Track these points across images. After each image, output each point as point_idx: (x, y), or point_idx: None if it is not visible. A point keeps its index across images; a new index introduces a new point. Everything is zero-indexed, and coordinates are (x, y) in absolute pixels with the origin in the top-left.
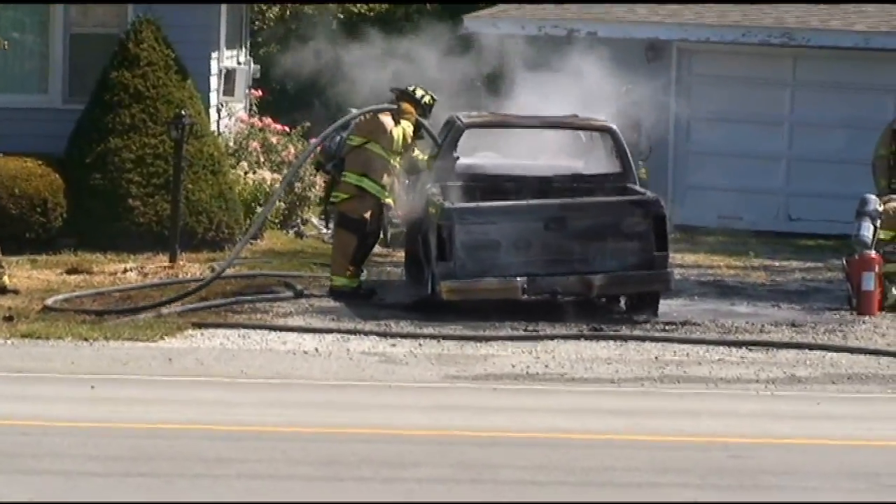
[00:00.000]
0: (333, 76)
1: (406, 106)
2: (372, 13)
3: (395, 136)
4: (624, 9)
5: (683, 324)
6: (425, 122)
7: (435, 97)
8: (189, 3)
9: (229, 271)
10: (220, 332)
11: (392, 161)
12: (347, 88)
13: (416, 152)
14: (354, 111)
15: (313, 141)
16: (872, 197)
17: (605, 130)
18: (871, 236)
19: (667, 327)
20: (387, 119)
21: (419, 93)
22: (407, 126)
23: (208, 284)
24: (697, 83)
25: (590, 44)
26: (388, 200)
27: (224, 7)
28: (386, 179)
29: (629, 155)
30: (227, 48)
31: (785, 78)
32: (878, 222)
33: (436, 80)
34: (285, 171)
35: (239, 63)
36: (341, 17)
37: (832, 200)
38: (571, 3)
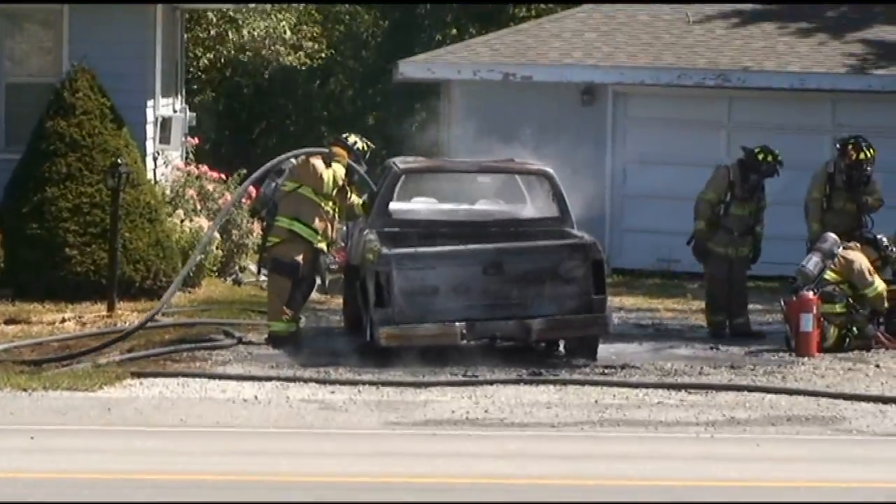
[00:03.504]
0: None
1: (337, 149)
2: (305, 64)
3: (326, 179)
4: (559, 52)
5: (623, 367)
6: (357, 166)
7: (370, 144)
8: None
9: (167, 319)
10: (159, 380)
11: (323, 205)
12: (282, 136)
13: (353, 198)
14: (283, 156)
15: (242, 185)
16: (833, 236)
17: (541, 174)
18: (816, 272)
19: (606, 371)
20: (317, 162)
21: (352, 139)
22: (338, 168)
23: (142, 327)
24: (633, 126)
25: (525, 87)
26: (321, 245)
27: (159, 56)
28: (318, 223)
29: (566, 199)
30: (163, 96)
31: (720, 119)
32: (831, 262)
33: (370, 126)
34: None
35: (175, 111)
36: (275, 64)
37: (770, 242)
38: (504, 47)
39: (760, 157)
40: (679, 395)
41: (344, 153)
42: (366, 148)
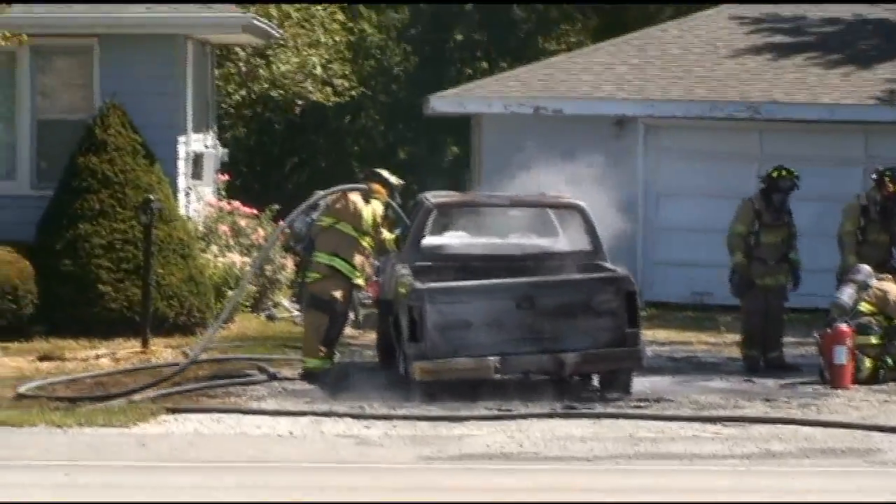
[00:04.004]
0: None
1: (376, 186)
2: (335, 101)
3: (366, 216)
4: (590, 85)
5: (657, 400)
6: (394, 203)
7: (401, 181)
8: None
9: (202, 356)
10: (194, 416)
11: (362, 241)
12: (313, 171)
13: (385, 234)
14: (321, 192)
15: (281, 223)
16: (867, 268)
17: (573, 207)
18: (850, 303)
19: (640, 404)
20: (357, 199)
21: (385, 174)
22: (377, 206)
23: (183, 370)
24: (665, 158)
25: (556, 121)
26: (359, 281)
27: (189, 91)
28: (357, 259)
29: (597, 232)
30: (194, 132)
31: (752, 151)
32: (865, 293)
33: (401, 160)
34: (255, 254)
35: (206, 147)
36: (302, 102)
37: (804, 274)
38: (537, 81)
39: (775, 174)
40: (714, 428)
41: (383, 190)
42: (397, 184)
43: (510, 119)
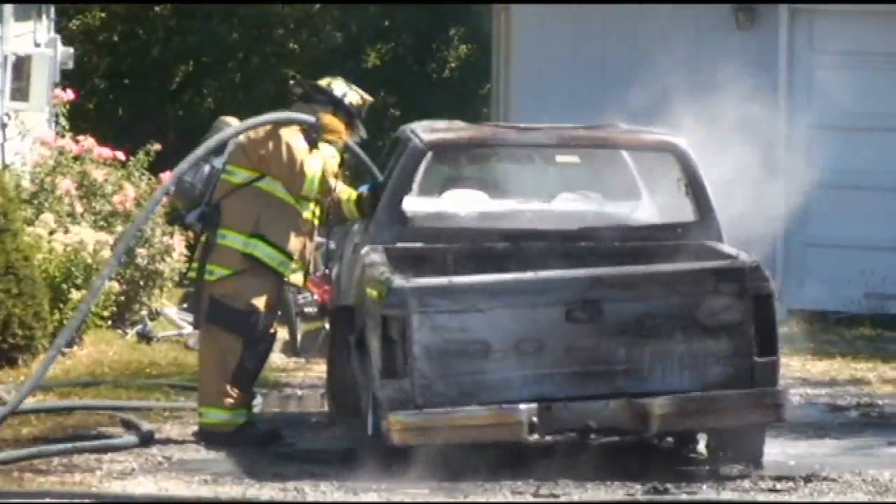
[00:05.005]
0: (196, 64)
1: (329, 119)
2: None
3: (309, 173)
4: None
5: (808, 479)
6: (356, 147)
7: (366, 97)
8: None
9: (28, 402)
10: None
11: (302, 211)
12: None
13: (339, 189)
14: (235, 123)
15: (167, 177)
16: None
17: (666, 150)
18: None
19: (779, 485)
20: (295, 140)
21: (338, 87)
22: (330, 152)
23: None
24: (824, 66)
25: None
26: (294, 277)
27: None
28: (294, 243)
29: (708, 192)
30: (17, 20)
31: None
32: None
33: (371, 70)
34: (119, 230)
35: (37, 45)
36: None
37: None
38: None
39: None
40: None
41: (340, 126)
42: (362, 102)
43: None
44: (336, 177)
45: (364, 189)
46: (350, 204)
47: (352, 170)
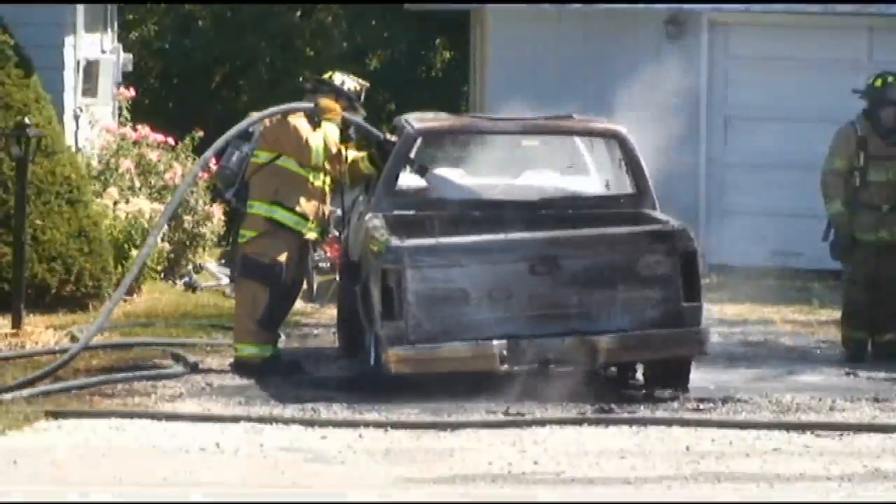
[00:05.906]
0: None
1: (325, 102)
2: None
3: (314, 147)
4: None
5: (724, 400)
6: (356, 118)
7: (362, 82)
8: None
9: (97, 339)
10: (85, 423)
11: (312, 179)
12: (252, 84)
13: (352, 154)
14: (256, 115)
15: (202, 157)
16: None
17: (611, 136)
18: None
19: (702, 406)
20: (300, 122)
21: (338, 78)
22: (330, 130)
23: (70, 360)
24: (737, 68)
25: (586, 17)
26: (311, 234)
27: None
28: (305, 205)
29: (644, 169)
30: (87, 31)
31: (858, 58)
32: None
33: (373, 71)
34: (169, 199)
35: (103, 52)
36: None
37: None
38: None
39: (880, 83)
40: (803, 440)
41: (335, 106)
42: (359, 88)
43: (524, 14)
44: (339, 146)
45: (374, 149)
46: (365, 162)
47: (363, 140)
